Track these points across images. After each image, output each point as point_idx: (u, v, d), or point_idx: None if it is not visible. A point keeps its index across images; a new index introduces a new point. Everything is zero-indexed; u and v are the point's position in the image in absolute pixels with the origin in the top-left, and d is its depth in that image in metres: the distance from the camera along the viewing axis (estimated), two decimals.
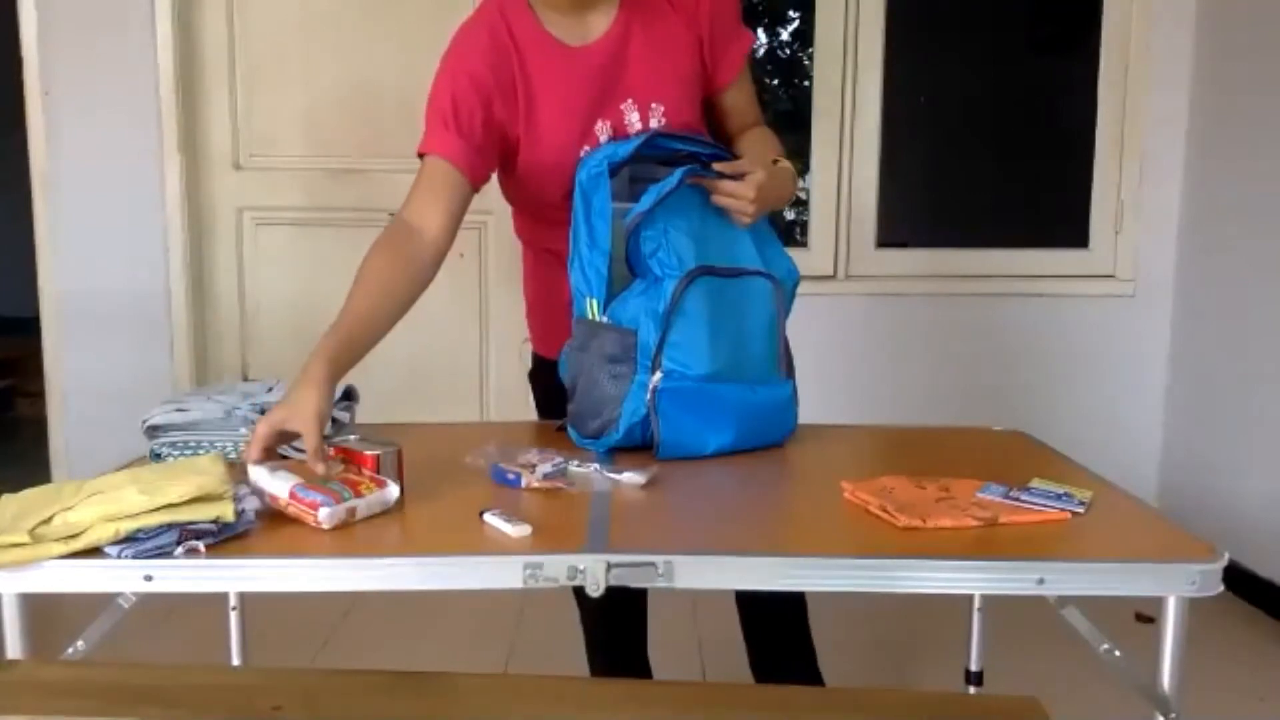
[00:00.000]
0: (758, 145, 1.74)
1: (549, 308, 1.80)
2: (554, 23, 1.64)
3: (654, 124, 1.67)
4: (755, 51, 1.83)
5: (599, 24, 1.66)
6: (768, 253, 1.66)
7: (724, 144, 1.74)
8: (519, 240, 1.88)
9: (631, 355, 1.54)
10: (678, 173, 1.54)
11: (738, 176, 1.57)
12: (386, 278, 1.51)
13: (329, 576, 1.19)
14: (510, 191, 1.78)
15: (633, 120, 1.67)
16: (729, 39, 1.74)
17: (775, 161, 1.66)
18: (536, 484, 1.40)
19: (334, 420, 1.62)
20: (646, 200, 1.53)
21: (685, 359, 1.53)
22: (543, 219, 1.75)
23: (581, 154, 1.63)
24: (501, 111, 1.62)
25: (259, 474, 1.31)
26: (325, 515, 1.24)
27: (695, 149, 1.63)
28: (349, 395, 1.70)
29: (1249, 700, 2.39)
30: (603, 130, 1.66)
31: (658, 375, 1.52)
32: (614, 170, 1.58)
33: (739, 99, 1.79)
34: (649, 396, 1.52)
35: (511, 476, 1.41)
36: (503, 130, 1.63)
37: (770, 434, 1.64)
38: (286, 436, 1.37)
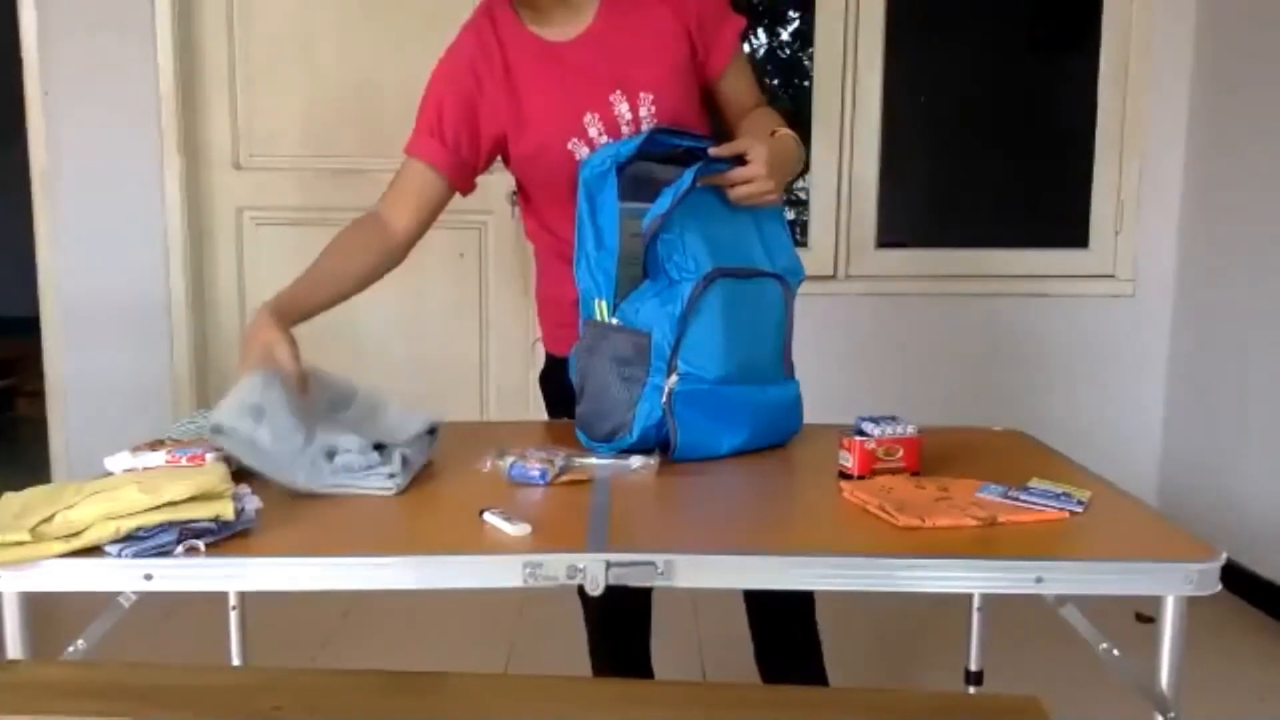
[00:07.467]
0: (753, 123, 1.73)
1: (563, 306, 1.79)
2: (534, 20, 1.67)
3: (644, 113, 1.67)
4: (754, 47, 1.83)
5: (580, 19, 1.68)
6: (774, 246, 1.64)
7: (729, 134, 1.73)
8: (529, 241, 1.88)
9: (645, 357, 1.53)
10: (688, 174, 1.52)
11: (739, 160, 1.56)
12: (346, 252, 1.65)
13: (329, 576, 1.19)
14: (519, 184, 1.80)
15: (622, 111, 1.67)
16: (718, 24, 1.73)
17: (773, 133, 1.65)
18: (564, 479, 1.42)
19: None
20: (663, 203, 1.52)
21: (700, 361, 1.52)
22: (552, 215, 1.75)
23: (569, 146, 1.65)
24: (486, 111, 1.67)
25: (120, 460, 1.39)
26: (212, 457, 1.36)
27: (691, 144, 1.61)
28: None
29: (1249, 700, 2.39)
30: (592, 123, 1.66)
31: (673, 378, 1.51)
32: (618, 169, 1.57)
33: (737, 85, 1.78)
34: (664, 400, 1.51)
35: (535, 473, 1.42)
36: (490, 129, 1.69)
37: (779, 433, 1.64)
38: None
